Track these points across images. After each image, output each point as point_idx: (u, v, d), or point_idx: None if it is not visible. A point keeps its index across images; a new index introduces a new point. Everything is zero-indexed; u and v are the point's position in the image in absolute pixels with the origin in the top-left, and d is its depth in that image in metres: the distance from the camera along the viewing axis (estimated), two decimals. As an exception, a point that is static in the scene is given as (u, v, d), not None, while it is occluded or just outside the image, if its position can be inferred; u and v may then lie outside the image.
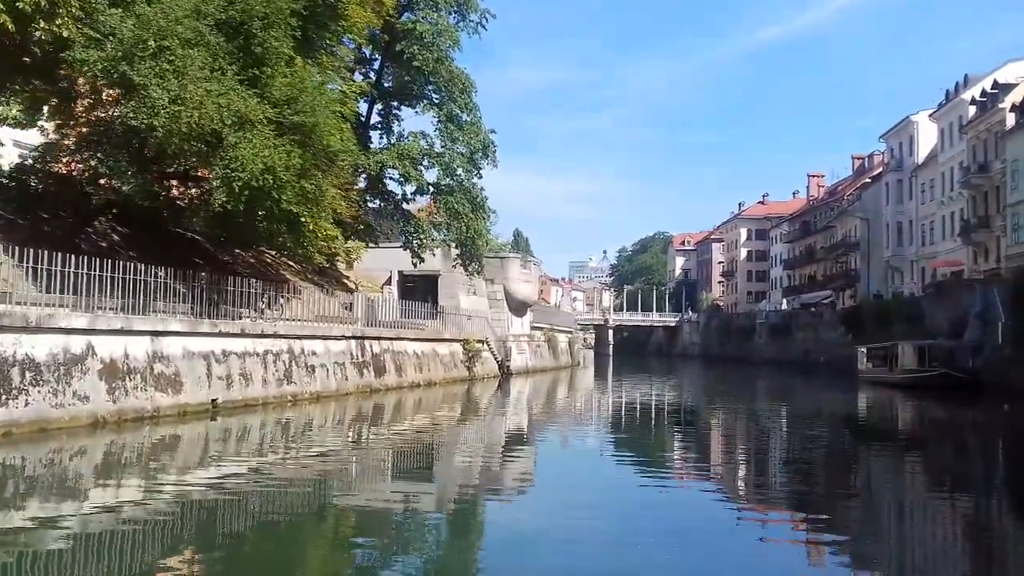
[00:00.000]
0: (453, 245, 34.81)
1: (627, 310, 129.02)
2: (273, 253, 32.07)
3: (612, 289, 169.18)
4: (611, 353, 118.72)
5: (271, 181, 18.53)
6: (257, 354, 21.98)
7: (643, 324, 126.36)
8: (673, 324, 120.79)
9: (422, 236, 32.72)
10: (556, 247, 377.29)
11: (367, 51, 36.89)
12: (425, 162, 33.33)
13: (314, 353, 24.79)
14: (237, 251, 30.45)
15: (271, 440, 18.64)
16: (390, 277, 41.57)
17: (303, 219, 22.94)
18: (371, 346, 28.88)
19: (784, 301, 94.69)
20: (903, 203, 69.17)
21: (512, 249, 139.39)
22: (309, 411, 23.19)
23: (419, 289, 42.63)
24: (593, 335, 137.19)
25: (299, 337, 24.12)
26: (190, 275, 20.80)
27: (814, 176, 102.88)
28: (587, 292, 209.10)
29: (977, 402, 32.63)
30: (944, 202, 61.11)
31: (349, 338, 27.28)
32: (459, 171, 33.34)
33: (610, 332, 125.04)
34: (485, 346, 40.73)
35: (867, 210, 74.25)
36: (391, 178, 34.80)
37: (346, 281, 39.68)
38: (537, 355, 51.24)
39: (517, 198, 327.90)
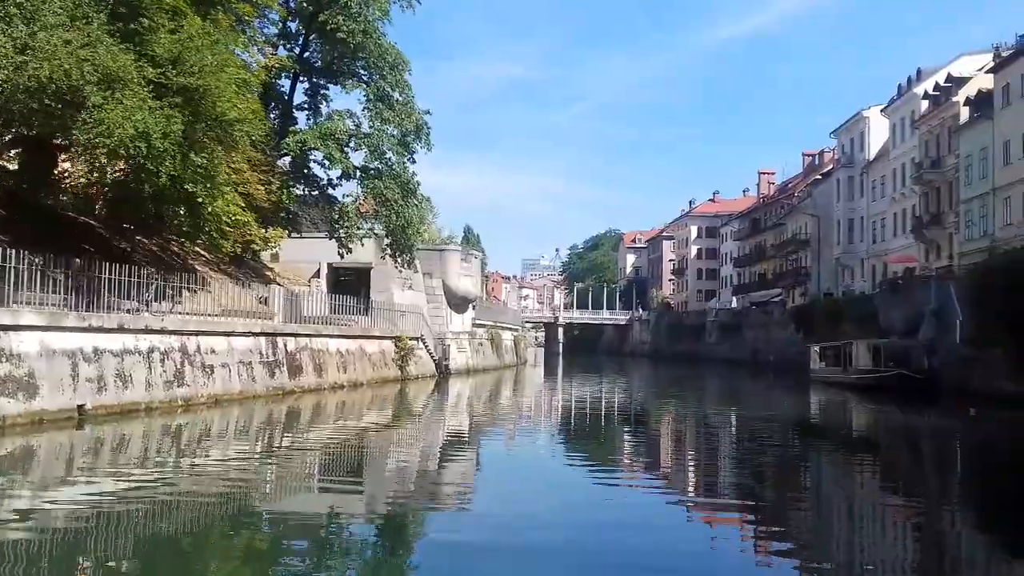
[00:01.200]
0: (384, 235, 32.15)
1: (578, 308, 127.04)
2: (182, 241, 29.21)
3: (563, 287, 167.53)
4: (560, 352, 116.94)
5: (144, 150, 15.76)
6: (139, 352, 19.11)
7: (593, 322, 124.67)
8: (624, 322, 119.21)
9: (347, 224, 29.96)
10: (510, 244, 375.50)
11: (293, 25, 34.19)
12: (352, 144, 30.67)
13: (213, 351, 21.96)
14: (139, 239, 27.49)
15: (157, 450, 16.08)
16: (318, 270, 38.69)
17: (200, 199, 20.25)
18: (285, 343, 26.11)
19: (734, 299, 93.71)
20: (854, 200, 68.21)
21: (462, 245, 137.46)
22: (206, 417, 20.47)
23: (353, 283, 39.87)
24: (543, 333, 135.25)
25: (194, 333, 21.28)
26: (51, 260, 17.80)
27: (764, 173, 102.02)
28: (539, 290, 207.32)
29: (936, 405, 31.08)
30: (896, 199, 60.13)
31: (258, 334, 24.48)
32: (389, 154, 30.76)
33: (560, 330, 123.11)
34: (420, 344, 38.14)
35: (818, 207, 73.27)
36: (316, 162, 32.15)
37: (269, 273, 36.84)
38: (479, 353, 48.75)
39: (472, 194, 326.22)
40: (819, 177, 78.68)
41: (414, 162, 32.03)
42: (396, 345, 35.03)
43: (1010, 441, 21.57)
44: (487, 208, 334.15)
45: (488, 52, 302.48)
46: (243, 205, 26.91)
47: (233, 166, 24.98)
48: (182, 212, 21.87)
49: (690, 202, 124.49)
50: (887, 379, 34.87)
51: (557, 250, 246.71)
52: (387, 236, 31.52)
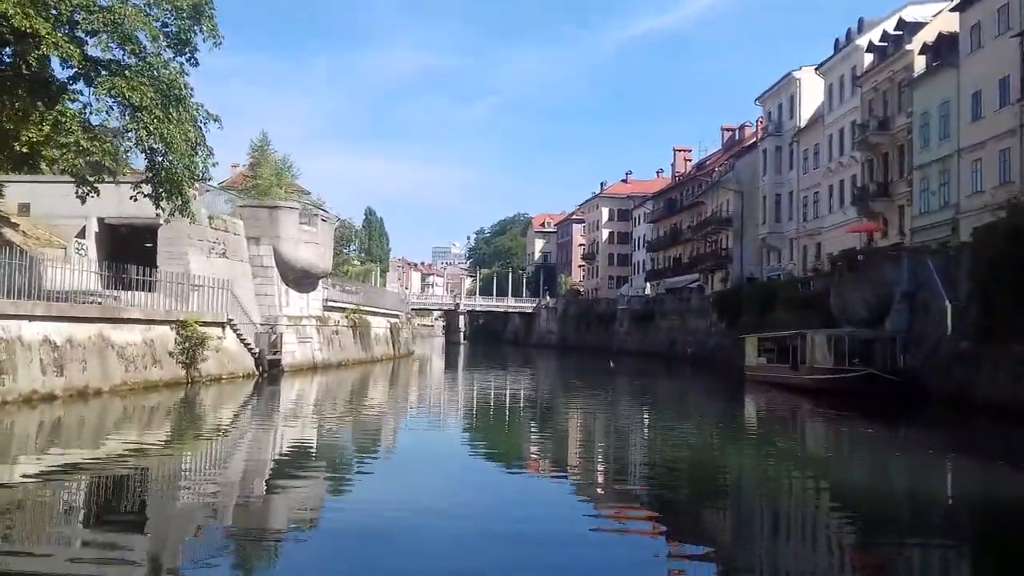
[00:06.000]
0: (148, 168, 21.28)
1: (484, 295, 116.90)
2: None
3: (470, 274, 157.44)
4: (461, 341, 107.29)
5: None
6: None
7: (498, 310, 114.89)
8: (530, 310, 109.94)
9: (69, 138, 18.90)
10: (423, 233, 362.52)
11: None
12: (87, 23, 19.81)
13: None
14: None
15: None
16: (84, 228, 27.72)
17: None
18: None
19: (647, 286, 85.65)
20: (782, 172, 60.35)
21: (363, 233, 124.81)
22: None
23: (153, 248, 28.95)
24: (444, 322, 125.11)
25: None
26: None
27: (680, 151, 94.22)
28: (448, 278, 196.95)
29: (930, 419, 22.56)
30: (832, 169, 52.30)
31: None
32: (144, 41, 20.15)
33: (461, 319, 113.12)
34: (226, 331, 27.56)
35: (741, 182, 65.31)
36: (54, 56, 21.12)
37: (8, 231, 25.87)
38: (333, 344, 38.20)
39: (385, 182, 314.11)
40: (743, 149, 70.99)
41: (194, 62, 21.46)
42: (179, 333, 24.41)
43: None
44: (400, 196, 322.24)
45: (403, 41, 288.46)
46: None
47: None
48: None
49: (601, 184, 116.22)
50: (854, 382, 26.20)
51: (469, 238, 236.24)
52: (149, 170, 20.87)
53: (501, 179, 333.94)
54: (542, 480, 13.77)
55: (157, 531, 9.64)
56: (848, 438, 19.97)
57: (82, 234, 27.70)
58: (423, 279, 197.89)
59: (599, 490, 12.95)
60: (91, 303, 21.28)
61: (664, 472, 14.54)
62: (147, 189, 21.02)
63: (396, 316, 55.85)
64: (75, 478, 12.24)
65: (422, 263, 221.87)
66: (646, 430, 21.04)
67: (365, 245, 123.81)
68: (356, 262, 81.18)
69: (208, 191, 54.98)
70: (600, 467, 15.42)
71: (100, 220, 27.85)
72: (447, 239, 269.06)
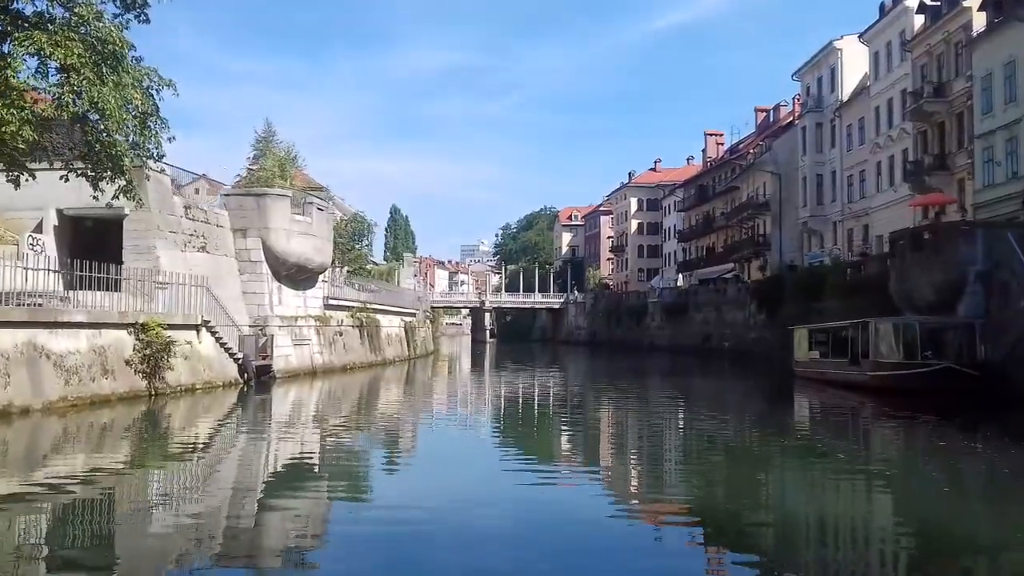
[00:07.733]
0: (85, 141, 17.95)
1: (512, 291, 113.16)
2: None
3: (497, 271, 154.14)
4: (487, 340, 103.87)
5: None
6: None
7: (525, 306, 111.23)
8: (558, 306, 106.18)
9: None
10: (451, 231, 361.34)
11: None
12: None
13: None
14: None
15: None
16: (41, 221, 24.61)
17: None
18: None
19: (679, 277, 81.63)
20: (823, 151, 56.08)
21: (388, 231, 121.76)
22: None
23: (117, 243, 25.78)
24: (470, 320, 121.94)
25: None
26: None
27: (712, 135, 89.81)
28: (476, 275, 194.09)
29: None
30: (880, 144, 48.05)
31: None
32: (74, -8, 16.85)
33: (487, 316, 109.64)
34: (202, 334, 24.28)
35: (778, 163, 60.93)
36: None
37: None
38: (335, 347, 34.86)
39: (411, 182, 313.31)
40: (779, 128, 66.71)
41: (144, 19, 18.14)
42: (139, 338, 21.17)
43: None
44: (427, 195, 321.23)
45: (425, 41, 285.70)
46: None
47: None
48: None
49: (629, 173, 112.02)
50: (928, 377, 22.30)
51: (497, 235, 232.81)
52: (87, 145, 17.59)
53: (528, 174, 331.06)
54: (577, 502, 11.65)
55: (127, 569, 8.29)
56: (940, 450, 16.17)
57: (39, 228, 24.60)
58: (451, 277, 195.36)
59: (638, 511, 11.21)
60: (19, 305, 18.02)
61: (705, 483, 12.88)
62: (82, 167, 17.74)
63: (412, 315, 52.47)
64: (9, 511, 10.05)
65: (450, 261, 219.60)
66: (689, 440, 17.66)
67: (390, 244, 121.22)
68: (379, 260, 78.07)
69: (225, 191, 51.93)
70: (638, 492, 12.45)
71: (59, 212, 24.73)
72: (475, 236, 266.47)
